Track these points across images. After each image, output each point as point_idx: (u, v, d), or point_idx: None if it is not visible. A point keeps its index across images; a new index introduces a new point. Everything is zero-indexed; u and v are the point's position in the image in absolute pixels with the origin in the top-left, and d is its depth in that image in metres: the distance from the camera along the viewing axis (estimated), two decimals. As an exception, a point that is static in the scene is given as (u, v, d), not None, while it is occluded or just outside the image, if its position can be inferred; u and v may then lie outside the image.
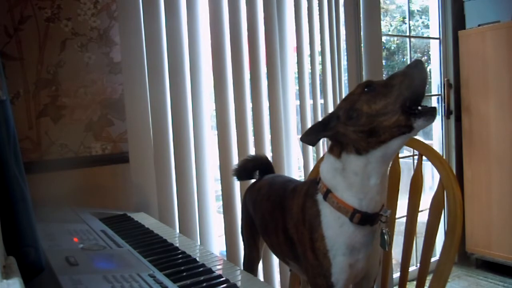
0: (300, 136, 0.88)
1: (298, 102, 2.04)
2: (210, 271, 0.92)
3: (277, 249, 1.13)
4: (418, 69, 0.80)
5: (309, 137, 0.89)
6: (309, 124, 2.02)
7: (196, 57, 1.74)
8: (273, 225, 1.08)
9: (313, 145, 0.90)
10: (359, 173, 0.84)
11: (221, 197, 1.83)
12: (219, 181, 1.84)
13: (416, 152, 1.25)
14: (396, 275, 2.07)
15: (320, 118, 2.07)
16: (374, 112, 0.80)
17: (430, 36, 3.03)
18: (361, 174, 0.84)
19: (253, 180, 1.41)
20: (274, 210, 1.09)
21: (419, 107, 0.79)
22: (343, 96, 2.12)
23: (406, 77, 0.80)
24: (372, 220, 0.87)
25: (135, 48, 1.66)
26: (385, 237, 0.91)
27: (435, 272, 1.14)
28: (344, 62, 2.17)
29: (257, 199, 1.23)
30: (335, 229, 0.87)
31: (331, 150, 0.90)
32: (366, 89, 0.83)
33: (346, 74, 2.17)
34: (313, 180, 0.97)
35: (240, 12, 1.83)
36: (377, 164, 0.84)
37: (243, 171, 1.41)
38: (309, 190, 0.95)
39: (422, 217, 1.29)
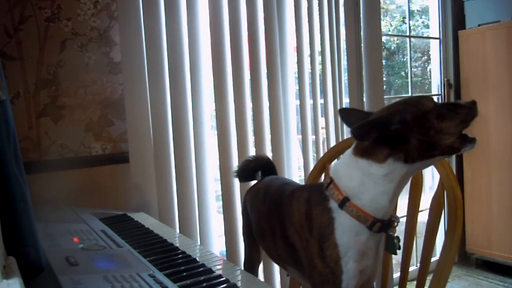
0: (351, 129, 0.85)
1: (298, 102, 2.04)
2: (210, 271, 0.92)
3: (274, 255, 1.11)
4: (476, 109, 0.89)
5: (364, 131, 0.84)
6: (309, 124, 2.03)
7: (196, 57, 1.74)
8: (270, 231, 1.07)
9: (362, 140, 0.87)
10: (395, 180, 0.86)
11: (221, 197, 1.83)
12: (219, 181, 1.84)
13: (416, 152, 1.25)
14: (396, 275, 2.07)
15: (320, 118, 2.08)
16: (439, 129, 0.85)
17: (430, 36, 3.04)
18: (397, 182, 0.86)
19: (254, 181, 1.41)
20: (271, 216, 1.07)
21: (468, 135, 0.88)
22: (343, 96, 2.14)
23: (470, 111, 0.88)
24: (388, 227, 0.89)
25: (135, 48, 1.66)
26: (395, 241, 0.92)
27: (435, 272, 1.14)
28: (344, 62, 2.17)
29: (254, 202, 1.22)
30: (350, 237, 0.87)
31: (367, 154, 0.86)
32: (436, 106, 0.88)
33: (346, 74, 2.17)
34: (315, 186, 0.96)
35: (240, 12, 1.83)
36: (412, 174, 0.89)
37: (245, 172, 1.40)
38: (312, 197, 0.93)
39: (422, 217, 1.29)
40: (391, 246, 0.93)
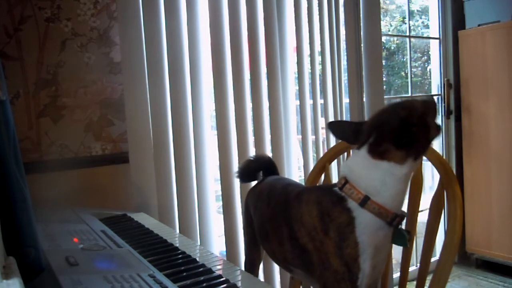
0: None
1: (298, 102, 2.04)
2: (210, 271, 0.92)
3: (279, 256, 1.10)
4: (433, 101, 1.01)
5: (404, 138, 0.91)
6: (309, 124, 2.03)
7: (196, 57, 1.74)
8: (276, 233, 1.06)
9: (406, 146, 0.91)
10: (409, 177, 0.93)
11: (221, 197, 1.83)
12: (219, 181, 1.84)
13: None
14: (396, 275, 2.07)
15: (320, 118, 2.08)
16: (432, 125, 0.94)
17: (430, 36, 3.04)
18: (410, 178, 0.93)
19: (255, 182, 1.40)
20: (276, 218, 1.07)
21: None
22: (343, 96, 2.14)
23: (434, 104, 0.98)
24: (402, 220, 0.93)
25: (135, 48, 1.66)
26: (405, 234, 0.95)
27: (435, 272, 1.14)
28: (344, 62, 2.17)
29: (257, 203, 1.21)
30: (370, 234, 0.89)
31: (387, 157, 0.90)
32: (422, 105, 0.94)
33: (346, 74, 2.17)
34: (323, 188, 0.98)
35: (240, 12, 1.83)
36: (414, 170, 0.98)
37: (246, 172, 1.39)
38: (324, 199, 0.94)
39: (422, 217, 1.29)
40: (401, 238, 0.95)
